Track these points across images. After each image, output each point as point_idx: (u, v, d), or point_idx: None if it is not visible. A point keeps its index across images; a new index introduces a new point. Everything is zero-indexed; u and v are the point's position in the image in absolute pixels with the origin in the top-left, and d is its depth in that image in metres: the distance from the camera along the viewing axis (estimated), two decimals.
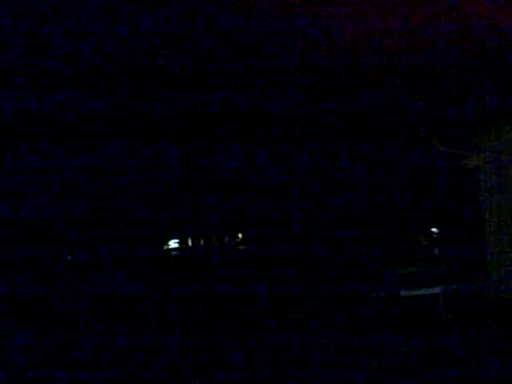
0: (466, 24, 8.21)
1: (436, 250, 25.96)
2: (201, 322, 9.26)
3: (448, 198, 25.43)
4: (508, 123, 7.97)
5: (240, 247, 44.34)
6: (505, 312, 7.57)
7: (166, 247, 50.40)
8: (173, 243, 53.92)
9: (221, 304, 11.37)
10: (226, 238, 52.07)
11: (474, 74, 8.09)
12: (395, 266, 15.66)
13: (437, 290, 10.19)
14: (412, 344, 6.23)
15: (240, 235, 50.53)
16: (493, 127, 8.39)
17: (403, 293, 10.47)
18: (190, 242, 54.44)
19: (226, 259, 31.81)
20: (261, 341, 7.11)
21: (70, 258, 27.56)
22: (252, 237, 47.29)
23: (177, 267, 27.19)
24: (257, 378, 5.42)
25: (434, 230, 29.33)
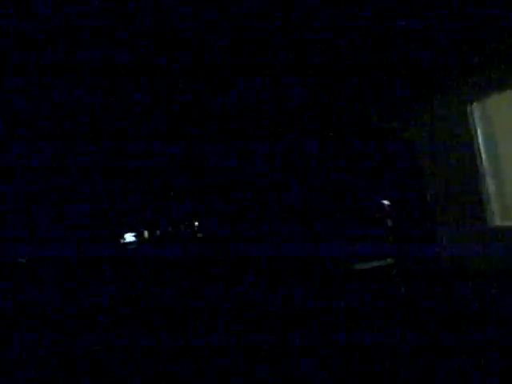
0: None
1: (389, 222, 26.76)
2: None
3: (395, 171, 26.18)
4: (442, 95, 8.28)
5: (198, 235, 44.29)
6: (451, 275, 7.98)
7: (121, 241, 49.59)
8: (129, 236, 52.99)
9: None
10: (183, 227, 51.69)
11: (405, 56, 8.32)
12: (350, 240, 16.00)
13: (389, 261, 10.55)
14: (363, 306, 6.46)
15: (196, 223, 50.33)
16: (425, 102, 8.70)
17: (358, 266, 10.75)
18: (146, 235, 53.70)
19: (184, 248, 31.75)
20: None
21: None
22: (208, 225, 47.28)
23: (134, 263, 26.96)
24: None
25: (385, 202, 30.29)
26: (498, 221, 7.50)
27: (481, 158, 7.53)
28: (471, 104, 7.60)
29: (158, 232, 51.26)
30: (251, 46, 9.71)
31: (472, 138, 7.60)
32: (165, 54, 10.36)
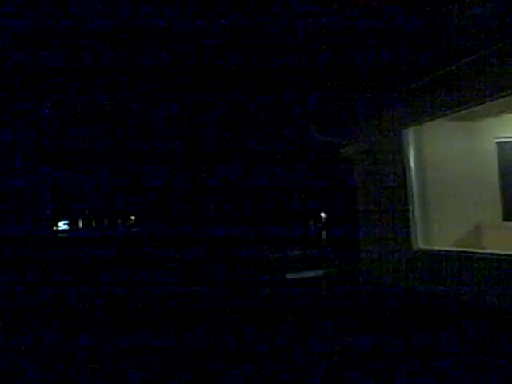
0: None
1: (323, 233, 27.27)
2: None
3: (334, 184, 26.73)
4: (378, 118, 8.50)
5: (133, 229, 43.50)
6: (371, 293, 8.27)
7: (54, 228, 48.01)
8: (62, 224, 51.48)
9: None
10: (119, 221, 50.64)
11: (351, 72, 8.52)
12: (284, 250, 16.18)
13: (318, 272, 10.72)
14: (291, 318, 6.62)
15: (133, 217, 49.40)
16: (365, 120, 8.92)
17: (289, 275, 10.91)
18: (80, 224, 52.26)
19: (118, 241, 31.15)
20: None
21: None
22: (145, 219, 46.44)
23: (65, 249, 26.18)
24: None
25: (322, 214, 30.71)
26: (421, 244, 7.75)
27: (411, 181, 7.77)
28: (406, 128, 7.83)
29: (93, 223, 50.02)
30: None
31: (403, 160, 7.83)
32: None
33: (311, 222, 28.90)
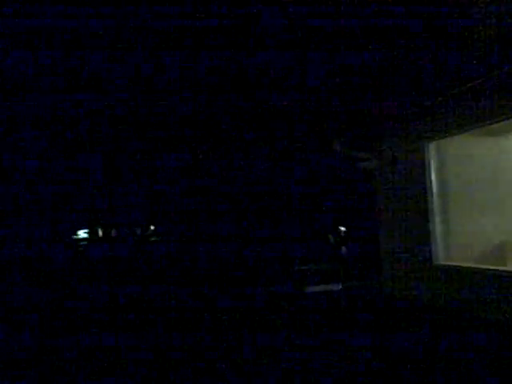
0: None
1: (344, 248, 27.05)
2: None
3: (355, 199, 26.59)
4: (401, 132, 8.48)
5: (152, 239, 43.75)
6: (391, 308, 8.19)
7: (74, 237, 48.46)
8: (82, 233, 51.89)
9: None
10: (139, 230, 50.93)
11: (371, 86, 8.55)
12: (305, 264, 16.12)
13: (338, 286, 10.67)
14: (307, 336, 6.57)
15: (152, 227, 49.65)
16: (389, 134, 8.90)
17: (309, 289, 10.87)
18: (100, 233, 52.59)
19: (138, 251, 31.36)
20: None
21: None
22: (164, 229, 46.61)
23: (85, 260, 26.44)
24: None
25: (342, 228, 30.50)
26: (441, 260, 7.68)
27: (432, 197, 7.71)
28: (427, 143, 7.80)
29: (113, 232, 50.45)
30: None
31: (425, 175, 7.79)
32: None
33: (330, 236, 28.69)
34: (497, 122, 6.67)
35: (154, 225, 47.37)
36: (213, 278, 14.41)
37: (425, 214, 7.79)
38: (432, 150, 7.80)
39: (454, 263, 7.49)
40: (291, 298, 10.09)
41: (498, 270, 6.79)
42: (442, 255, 7.68)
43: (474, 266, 7.25)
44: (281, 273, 14.65)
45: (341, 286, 10.74)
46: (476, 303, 6.80)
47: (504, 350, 5.40)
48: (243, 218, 36.75)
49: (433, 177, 7.75)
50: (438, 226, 7.72)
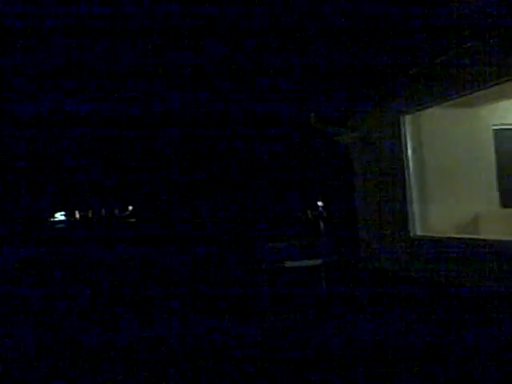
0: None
1: (321, 223, 27.33)
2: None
3: (330, 174, 26.76)
4: (377, 105, 8.53)
5: (130, 220, 43.46)
6: (367, 277, 8.38)
7: (51, 219, 47.88)
8: (59, 215, 51.26)
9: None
10: (116, 211, 50.50)
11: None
12: (282, 239, 16.22)
13: (318, 261, 10.78)
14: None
15: (130, 207, 49.28)
16: (361, 110, 8.95)
17: (288, 264, 10.96)
18: (77, 215, 52.05)
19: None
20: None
21: None
22: (142, 209, 46.33)
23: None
24: None
25: (319, 203, 30.74)
26: (418, 231, 7.81)
27: (408, 169, 7.81)
28: (404, 115, 7.86)
29: (90, 213, 49.94)
30: None
31: (401, 148, 7.87)
32: None
33: (309, 212, 28.92)
34: (466, 95, 6.77)
35: (132, 205, 47.02)
36: (193, 256, 14.44)
37: (402, 187, 7.90)
38: (408, 122, 7.87)
39: (431, 234, 7.63)
40: (272, 272, 10.20)
41: (472, 238, 6.95)
42: (419, 226, 7.81)
43: (449, 235, 7.40)
44: (260, 249, 14.74)
45: (321, 261, 10.87)
46: (452, 273, 6.96)
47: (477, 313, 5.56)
48: (224, 193, 36.65)
49: (409, 150, 7.84)
50: (414, 198, 7.83)
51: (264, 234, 20.27)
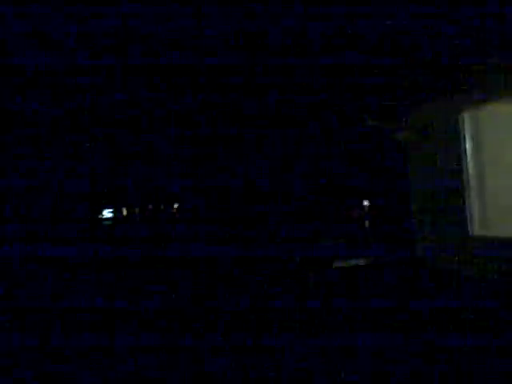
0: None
1: (367, 222, 26.96)
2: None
3: (381, 172, 26.35)
4: (431, 104, 8.35)
5: (176, 216, 44.09)
6: (434, 276, 8.13)
7: (99, 216, 49.11)
8: (107, 213, 52.52)
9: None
10: (162, 207, 51.30)
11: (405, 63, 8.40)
12: (330, 238, 16.11)
13: (365, 260, 10.69)
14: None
15: (176, 205, 50.06)
16: (418, 107, 8.77)
17: (336, 263, 10.87)
18: (125, 212, 53.19)
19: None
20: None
21: None
22: (188, 207, 46.98)
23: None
24: None
25: (365, 202, 30.32)
26: (477, 230, 7.63)
27: (467, 167, 7.64)
28: (462, 113, 7.69)
29: (137, 210, 50.90)
30: None
31: (459, 146, 7.70)
32: None
33: (355, 211, 28.62)
34: None
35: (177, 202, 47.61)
36: (249, 254, 14.42)
37: (460, 184, 7.73)
38: (467, 119, 7.70)
39: (490, 234, 7.44)
40: (320, 272, 10.11)
41: None
42: (478, 226, 7.63)
43: (508, 236, 7.20)
44: (306, 249, 14.63)
45: (371, 260, 10.74)
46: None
47: None
48: (268, 194, 36.73)
49: (469, 148, 7.66)
50: (473, 197, 7.65)
51: (311, 233, 20.14)
